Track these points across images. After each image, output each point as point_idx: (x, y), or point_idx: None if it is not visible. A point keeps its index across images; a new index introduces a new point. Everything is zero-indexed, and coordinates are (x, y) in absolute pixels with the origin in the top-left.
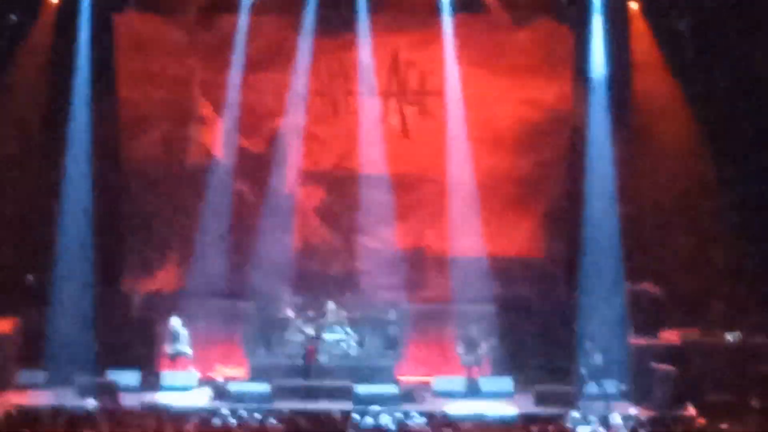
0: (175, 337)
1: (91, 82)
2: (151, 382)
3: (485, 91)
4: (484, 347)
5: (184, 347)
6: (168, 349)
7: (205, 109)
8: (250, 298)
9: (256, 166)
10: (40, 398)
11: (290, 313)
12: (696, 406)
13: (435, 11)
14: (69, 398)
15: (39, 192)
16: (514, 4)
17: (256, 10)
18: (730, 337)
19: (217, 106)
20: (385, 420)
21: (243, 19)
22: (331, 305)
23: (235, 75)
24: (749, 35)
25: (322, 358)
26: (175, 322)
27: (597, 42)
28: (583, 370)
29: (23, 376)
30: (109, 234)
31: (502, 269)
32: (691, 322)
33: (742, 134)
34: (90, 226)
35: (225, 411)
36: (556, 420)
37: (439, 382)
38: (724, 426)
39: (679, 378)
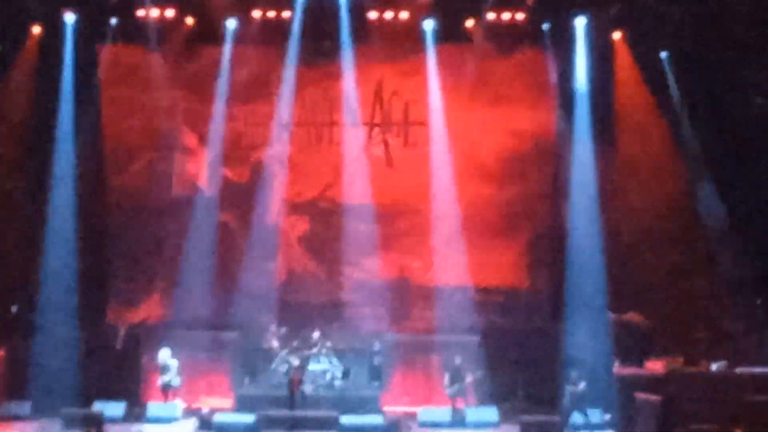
0: (164, 369)
1: (75, 112)
2: (136, 414)
3: (469, 121)
4: (469, 378)
5: (174, 378)
6: (159, 380)
7: (190, 140)
8: (235, 328)
9: (240, 197)
10: (26, 429)
11: (275, 343)
12: None
13: (419, 42)
14: (55, 430)
15: (23, 223)
16: (497, 35)
17: (240, 42)
18: (714, 366)
19: (202, 137)
20: None
21: (227, 50)
22: (316, 335)
23: (219, 106)
24: (730, 65)
25: (308, 389)
26: (164, 353)
27: (580, 71)
28: (568, 400)
29: (8, 407)
30: (94, 265)
31: (487, 299)
32: (676, 352)
33: (725, 160)
34: (75, 256)
35: None
36: None
37: (424, 412)
38: None
39: (664, 407)
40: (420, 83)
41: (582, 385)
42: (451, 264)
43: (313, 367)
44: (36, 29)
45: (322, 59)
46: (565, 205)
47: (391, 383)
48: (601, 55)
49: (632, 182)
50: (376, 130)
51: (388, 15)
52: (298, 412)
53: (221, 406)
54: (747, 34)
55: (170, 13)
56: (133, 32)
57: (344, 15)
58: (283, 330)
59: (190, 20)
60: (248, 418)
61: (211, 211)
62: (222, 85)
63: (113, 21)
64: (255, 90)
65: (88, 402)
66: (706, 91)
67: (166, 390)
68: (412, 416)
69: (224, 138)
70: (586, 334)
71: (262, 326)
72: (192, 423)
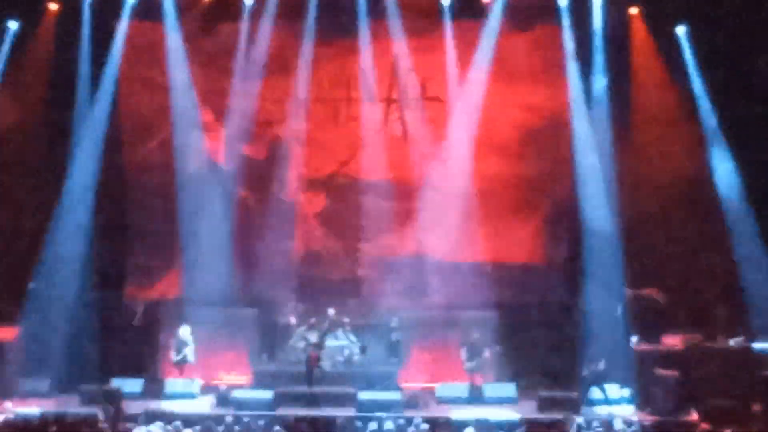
0: (181, 345)
1: (92, 90)
2: (154, 390)
3: (486, 97)
4: (487, 353)
5: (189, 355)
6: (174, 356)
7: (207, 117)
8: (253, 305)
9: (257, 173)
10: (44, 406)
11: (293, 320)
12: (699, 411)
13: (435, 17)
14: (73, 406)
15: (41, 201)
16: (514, 10)
17: (257, 18)
18: (732, 341)
19: (219, 114)
20: (389, 426)
21: (244, 27)
22: (333, 312)
23: (236, 82)
24: (748, 38)
25: (325, 365)
26: (184, 330)
27: (597, 47)
28: (587, 376)
29: (27, 383)
30: (112, 242)
31: (504, 275)
32: (694, 328)
33: (744, 140)
34: (93, 233)
35: (229, 418)
36: (559, 425)
37: (442, 388)
38: (727, 431)
39: (681, 383)
40: (437, 59)
41: (602, 364)
42: (468, 240)
43: (330, 343)
44: (53, 6)
45: (338, 35)
46: (581, 181)
47: (408, 359)
48: (618, 31)
49: (649, 157)
50: (393, 106)
51: None
52: (316, 389)
53: (239, 382)
54: (762, 7)
55: None
56: (150, 9)
57: None
58: (301, 306)
59: None
60: (266, 395)
61: (229, 187)
62: (239, 62)
63: None
64: (272, 66)
65: (106, 378)
66: (723, 65)
67: (181, 365)
68: (430, 392)
69: (242, 114)
70: (603, 309)
71: (279, 303)
72: (210, 399)
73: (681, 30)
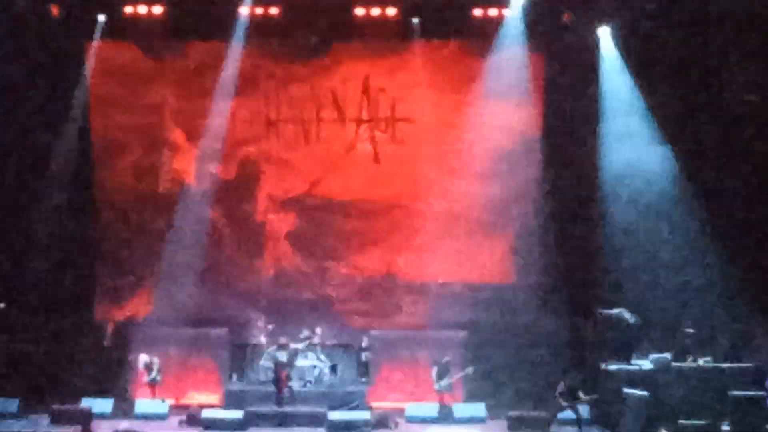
0: (148, 368)
1: (62, 109)
2: (124, 410)
3: (456, 117)
4: (457, 373)
5: (157, 375)
6: (146, 377)
7: (177, 137)
8: (223, 324)
9: (228, 193)
10: (14, 426)
11: (263, 339)
12: (668, 431)
13: (406, 38)
14: (43, 426)
15: (9, 219)
16: (484, 31)
17: (228, 38)
18: (702, 361)
19: (189, 133)
20: None
21: (215, 47)
22: (303, 331)
23: (207, 102)
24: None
25: (296, 385)
26: (143, 357)
27: (567, 67)
28: (559, 397)
29: None
30: (82, 261)
31: (474, 295)
32: (664, 347)
33: (712, 157)
34: (62, 253)
35: None
36: None
37: (412, 408)
38: None
39: (651, 403)
40: (407, 80)
41: (570, 381)
42: (439, 260)
43: (301, 362)
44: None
45: (309, 55)
46: (551, 202)
47: (378, 379)
48: (589, 52)
49: (619, 177)
50: (364, 126)
51: (375, 11)
52: (287, 408)
53: (209, 402)
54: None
55: (158, 9)
56: (121, 29)
57: (331, 11)
58: (271, 326)
59: (177, 17)
60: (236, 414)
61: (199, 207)
62: (210, 82)
63: (101, 18)
64: (243, 86)
65: (76, 398)
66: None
67: (153, 385)
68: (400, 411)
69: (212, 134)
70: (573, 329)
71: (250, 322)
72: (180, 419)
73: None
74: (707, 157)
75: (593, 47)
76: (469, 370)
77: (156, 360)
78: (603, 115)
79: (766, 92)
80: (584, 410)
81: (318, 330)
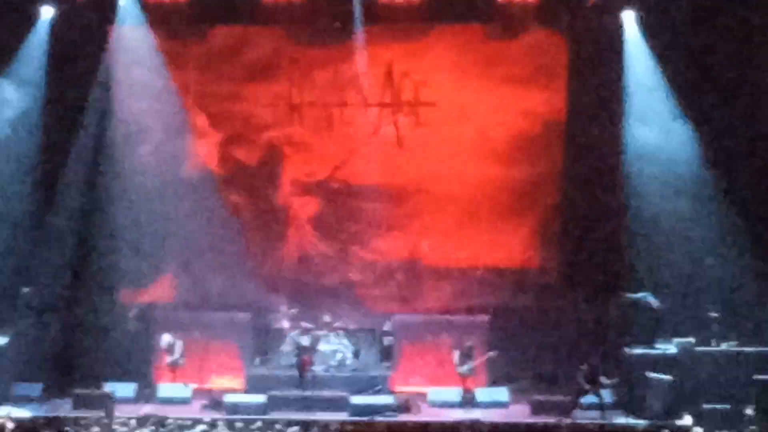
0: (170, 350)
1: (86, 94)
2: (147, 394)
3: (480, 101)
4: (480, 358)
5: (180, 358)
6: (167, 359)
7: (200, 121)
8: (246, 309)
9: (250, 178)
10: (37, 410)
11: (286, 324)
12: (692, 415)
13: (429, 21)
14: (65, 410)
15: (35, 204)
16: (508, 14)
17: (251, 22)
18: (725, 345)
19: (212, 118)
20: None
21: (238, 31)
22: (326, 316)
23: (229, 87)
24: (744, 46)
25: (318, 369)
26: (166, 338)
27: (591, 52)
28: (581, 380)
29: (19, 388)
30: (106, 246)
31: (497, 279)
32: (687, 332)
33: (739, 144)
34: (85, 238)
35: (221, 422)
36: (552, 430)
37: (434, 392)
38: None
39: (675, 387)
40: (431, 64)
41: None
42: (462, 244)
43: (323, 347)
44: (46, 12)
45: (332, 40)
46: (575, 187)
47: (401, 363)
48: (613, 36)
49: (643, 161)
50: (387, 110)
51: None
52: (309, 393)
53: (232, 386)
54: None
55: None
56: (144, 13)
57: None
58: (294, 310)
59: (200, 1)
60: (259, 399)
61: (222, 192)
62: (233, 66)
63: (123, 2)
64: (266, 71)
65: (98, 383)
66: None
67: (174, 368)
68: (423, 396)
69: (235, 119)
70: (597, 313)
71: (272, 307)
72: (202, 403)
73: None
74: (732, 140)
75: (617, 30)
76: (492, 354)
77: (179, 342)
78: (627, 98)
79: None
80: (607, 395)
81: (326, 316)
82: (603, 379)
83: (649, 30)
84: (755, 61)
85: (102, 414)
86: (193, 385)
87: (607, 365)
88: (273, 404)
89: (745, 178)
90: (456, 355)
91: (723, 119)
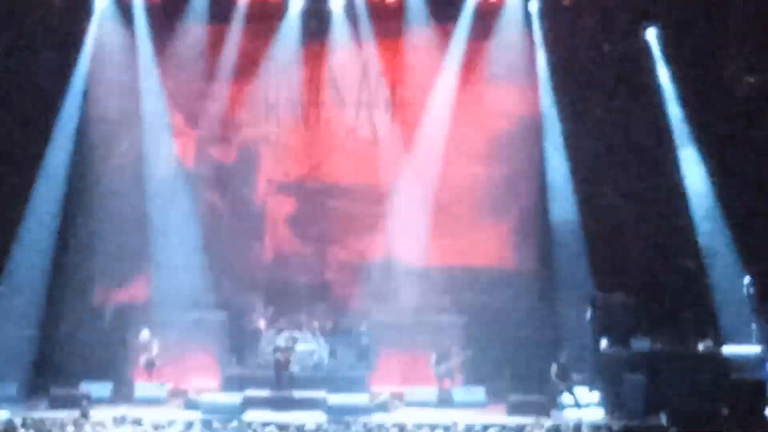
0: (146, 348)
1: (61, 93)
2: (123, 394)
3: (456, 101)
4: (456, 358)
5: (156, 357)
6: (142, 359)
7: (176, 120)
8: (222, 308)
9: (227, 177)
10: (13, 411)
11: (262, 323)
12: (667, 415)
13: (405, 21)
14: (41, 410)
15: (8, 204)
16: (484, 14)
17: (227, 21)
18: (701, 345)
19: (188, 117)
20: (357, 430)
21: (215, 30)
22: (302, 316)
23: (205, 85)
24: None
25: (295, 369)
26: (144, 333)
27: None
28: (555, 380)
29: None
30: (80, 245)
31: (474, 279)
32: (662, 331)
33: (715, 140)
34: (60, 237)
35: (197, 422)
36: (528, 430)
37: (411, 392)
38: None
39: (650, 387)
40: (407, 63)
41: (563, 356)
42: (438, 244)
43: (300, 347)
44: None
45: (309, 39)
46: (550, 185)
47: (378, 363)
48: (587, 35)
49: (617, 161)
50: (364, 109)
51: None
52: (285, 393)
53: (208, 386)
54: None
55: None
56: (120, 12)
57: None
58: (270, 310)
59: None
60: (235, 399)
61: (198, 191)
62: (209, 65)
63: (99, 2)
64: (242, 69)
65: (74, 383)
66: (692, 67)
67: (150, 368)
68: (399, 396)
69: (211, 118)
70: (572, 313)
71: (248, 306)
72: (179, 403)
73: (651, 32)
74: (708, 141)
75: (594, 30)
76: (468, 352)
77: (155, 341)
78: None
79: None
80: (582, 394)
81: (302, 315)
82: (574, 376)
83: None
84: (732, 60)
85: (78, 414)
86: (170, 385)
87: (581, 363)
88: (249, 404)
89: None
90: (432, 356)
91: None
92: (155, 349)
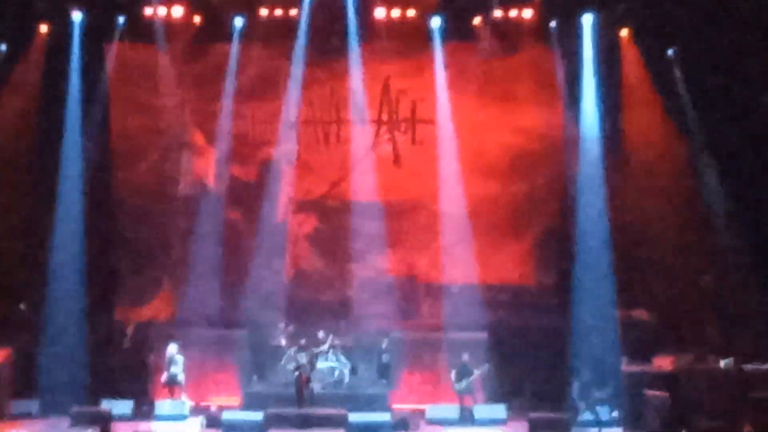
0: (170, 363)
1: (82, 111)
2: (144, 411)
3: (476, 118)
4: (477, 375)
5: (180, 374)
6: (164, 375)
7: (197, 138)
8: (243, 326)
9: (248, 195)
10: (34, 428)
11: (283, 341)
12: None
13: (426, 39)
14: (63, 428)
15: (31, 221)
16: (505, 32)
17: (248, 40)
18: (722, 363)
19: (209, 135)
20: None
21: (234, 49)
22: (323, 333)
23: (226, 104)
24: (738, 61)
25: (316, 387)
26: (172, 348)
27: (588, 69)
28: (576, 397)
29: (17, 405)
30: (102, 263)
31: (494, 297)
32: (685, 349)
33: (734, 160)
34: (83, 255)
35: None
36: None
37: (432, 410)
38: None
39: (671, 404)
40: (427, 81)
41: (586, 374)
42: (459, 261)
43: (321, 365)
44: (43, 28)
45: (329, 57)
46: (572, 203)
47: (399, 381)
48: (609, 53)
49: (640, 180)
50: (384, 128)
51: (396, 13)
52: (306, 410)
53: (229, 404)
54: (752, 31)
55: (178, 11)
56: (141, 31)
57: (351, 13)
58: (291, 328)
59: (197, 18)
60: (256, 416)
61: (219, 209)
62: (229, 84)
63: (121, 19)
64: (262, 88)
65: (96, 400)
66: (713, 88)
67: (171, 385)
68: (421, 413)
69: (232, 136)
70: (594, 331)
71: (270, 324)
72: (200, 421)
73: (671, 52)
74: (727, 150)
75: (614, 47)
76: (485, 367)
77: (181, 357)
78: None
79: None
80: (603, 412)
81: (321, 333)
82: (596, 393)
83: (644, 48)
84: (751, 74)
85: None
86: (191, 402)
87: (602, 381)
88: (270, 422)
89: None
90: (453, 373)
91: (716, 129)
92: (181, 364)
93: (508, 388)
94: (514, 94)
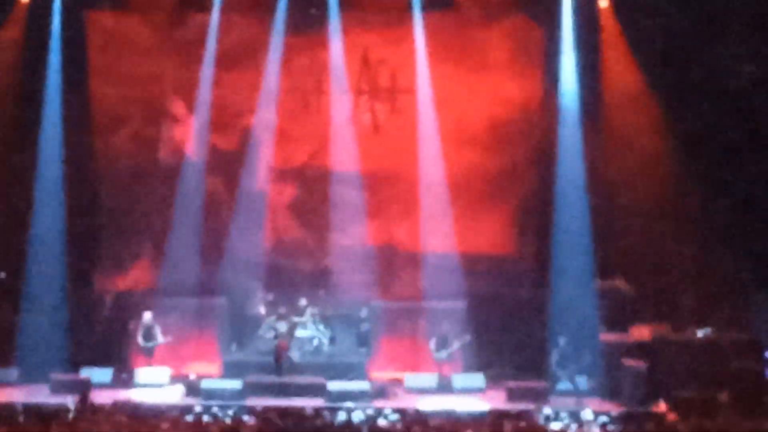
0: (147, 331)
1: (62, 80)
2: (124, 380)
3: (456, 88)
4: (456, 344)
5: (157, 339)
6: (141, 341)
7: (177, 107)
8: (223, 294)
9: (227, 164)
10: (13, 395)
11: (262, 310)
12: (667, 402)
13: (406, 8)
14: (42, 395)
15: (10, 190)
16: (484, 2)
17: (228, 9)
18: (700, 333)
19: (189, 104)
20: (358, 416)
21: (214, 18)
22: (303, 302)
23: (206, 73)
24: (717, 34)
25: (295, 355)
26: (147, 316)
27: (567, 39)
28: (555, 366)
29: None
30: (82, 232)
31: (474, 266)
32: (662, 318)
33: (711, 131)
34: (62, 223)
35: (198, 408)
36: (527, 416)
37: (410, 378)
38: (694, 421)
39: (649, 374)
40: (407, 51)
41: (562, 340)
42: (438, 231)
43: (300, 333)
44: None
45: (309, 27)
46: (551, 173)
47: (378, 350)
48: (589, 24)
49: (619, 150)
50: (364, 97)
51: None
52: (285, 379)
53: (208, 372)
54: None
55: None
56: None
57: None
58: (270, 296)
59: None
60: (235, 384)
61: (199, 177)
62: (209, 53)
63: None
64: (242, 57)
65: (75, 368)
66: (695, 61)
67: (150, 350)
68: (399, 382)
69: (211, 105)
70: (572, 300)
71: (249, 292)
72: (179, 389)
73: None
74: (704, 132)
75: (594, 18)
76: (467, 338)
77: (156, 326)
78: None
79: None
80: (581, 381)
81: (302, 300)
82: (573, 362)
83: (624, 18)
84: (727, 50)
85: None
86: (170, 371)
87: (580, 350)
88: (249, 390)
89: (719, 171)
90: (432, 342)
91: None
92: (158, 334)
93: (487, 357)
94: (494, 64)
